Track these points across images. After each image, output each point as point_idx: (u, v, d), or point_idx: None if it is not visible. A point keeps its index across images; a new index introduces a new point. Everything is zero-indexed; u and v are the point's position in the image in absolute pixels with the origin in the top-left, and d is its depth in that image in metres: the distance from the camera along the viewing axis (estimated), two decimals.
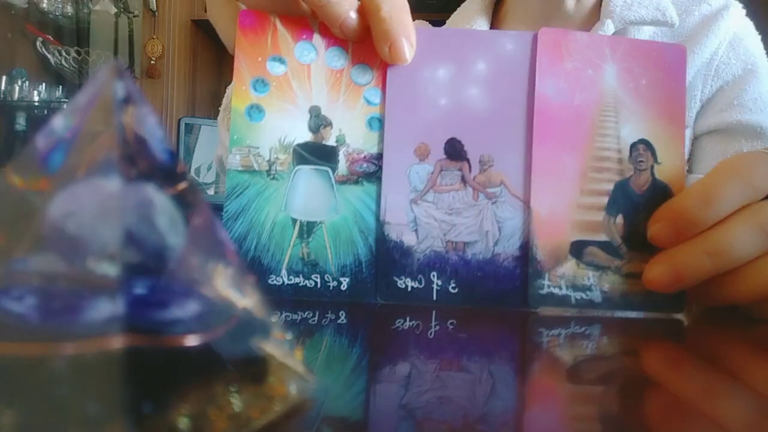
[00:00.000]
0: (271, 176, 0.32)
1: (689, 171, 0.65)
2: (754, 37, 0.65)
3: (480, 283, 0.32)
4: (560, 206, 0.32)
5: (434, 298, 0.32)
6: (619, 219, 0.33)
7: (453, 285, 0.32)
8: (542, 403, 0.19)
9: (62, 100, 2.01)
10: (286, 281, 0.32)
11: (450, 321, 0.29)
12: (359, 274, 0.32)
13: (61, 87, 2.04)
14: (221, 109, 0.61)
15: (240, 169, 0.32)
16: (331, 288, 0.32)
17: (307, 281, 0.32)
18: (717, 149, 0.63)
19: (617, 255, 0.33)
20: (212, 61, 2.13)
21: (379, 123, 0.33)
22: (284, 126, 0.32)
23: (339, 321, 0.29)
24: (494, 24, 0.70)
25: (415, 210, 0.32)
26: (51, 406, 0.12)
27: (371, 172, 0.32)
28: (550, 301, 0.32)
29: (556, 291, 0.32)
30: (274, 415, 0.15)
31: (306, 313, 0.29)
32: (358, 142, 0.33)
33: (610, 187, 0.33)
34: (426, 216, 0.32)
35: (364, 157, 0.33)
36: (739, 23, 0.64)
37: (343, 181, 0.33)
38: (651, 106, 0.33)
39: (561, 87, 0.33)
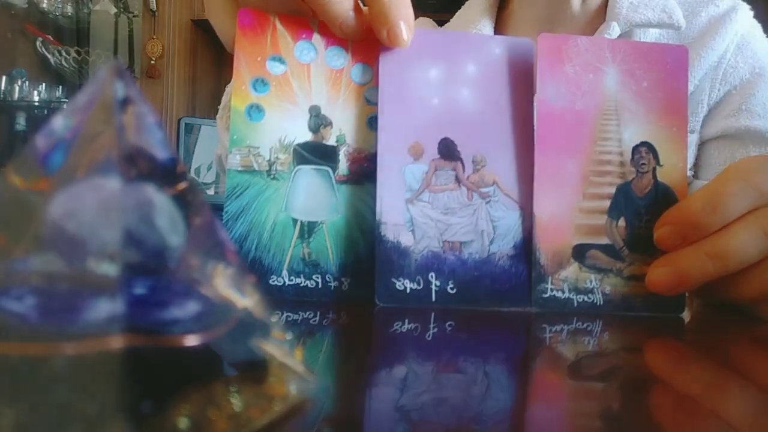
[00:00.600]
0: (272, 176, 0.32)
1: (696, 176, 0.64)
2: (761, 40, 0.64)
3: (477, 282, 0.32)
4: (562, 210, 0.33)
5: (433, 299, 0.32)
6: (621, 222, 0.33)
7: (451, 285, 0.32)
8: (547, 401, 0.19)
9: (62, 100, 2.02)
10: (287, 282, 0.32)
11: (448, 323, 0.29)
12: (360, 273, 0.32)
13: (61, 87, 2.04)
14: (220, 107, 0.61)
15: (240, 169, 0.32)
16: (332, 288, 0.32)
17: (308, 281, 0.32)
18: (724, 155, 0.62)
19: (619, 258, 0.33)
20: (212, 61, 2.13)
21: None
22: (284, 126, 0.32)
23: (340, 321, 0.29)
24: (498, 25, 0.68)
25: (411, 210, 0.32)
26: (51, 406, 0.11)
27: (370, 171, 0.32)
28: (552, 305, 0.32)
29: (558, 294, 0.32)
30: (274, 415, 0.15)
31: (307, 313, 0.29)
32: (358, 142, 0.33)
33: (612, 190, 0.33)
34: (422, 216, 0.32)
35: (365, 156, 0.33)
36: (747, 25, 0.63)
37: (344, 181, 0.33)
38: (653, 108, 0.33)
39: (562, 92, 0.33)
